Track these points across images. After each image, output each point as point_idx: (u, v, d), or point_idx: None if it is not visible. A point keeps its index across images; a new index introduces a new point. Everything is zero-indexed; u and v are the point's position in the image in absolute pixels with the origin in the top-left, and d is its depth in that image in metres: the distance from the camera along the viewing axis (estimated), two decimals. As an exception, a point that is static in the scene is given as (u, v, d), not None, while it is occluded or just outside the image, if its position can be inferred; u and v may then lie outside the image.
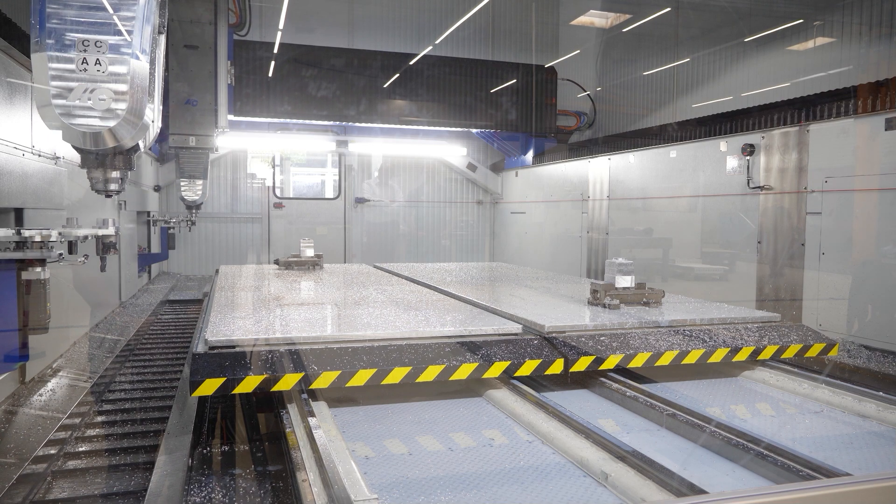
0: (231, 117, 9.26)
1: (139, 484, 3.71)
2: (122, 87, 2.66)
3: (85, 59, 2.62)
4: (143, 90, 2.71)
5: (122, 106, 2.66)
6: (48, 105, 2.63)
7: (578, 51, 14.09)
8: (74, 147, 2.80)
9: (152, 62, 2.81)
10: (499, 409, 3.31)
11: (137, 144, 2.86)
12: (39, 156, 5.48)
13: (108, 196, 3.24)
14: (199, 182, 10.16)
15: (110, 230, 4.38)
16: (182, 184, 10.20)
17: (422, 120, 12.92)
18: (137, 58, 2.67)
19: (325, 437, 2.59)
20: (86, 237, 4.19)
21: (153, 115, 2.87)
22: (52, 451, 4.10)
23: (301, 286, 6.06)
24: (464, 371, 3.32)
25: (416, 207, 14.58)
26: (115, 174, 3.10)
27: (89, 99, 2.62)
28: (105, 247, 4.63)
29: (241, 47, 11.49)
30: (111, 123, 2.66)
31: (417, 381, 3.24)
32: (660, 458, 2.40)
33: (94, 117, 2.65)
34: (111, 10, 2.64)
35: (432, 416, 3.20)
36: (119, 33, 2.64)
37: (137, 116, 2.71)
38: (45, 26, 2.59)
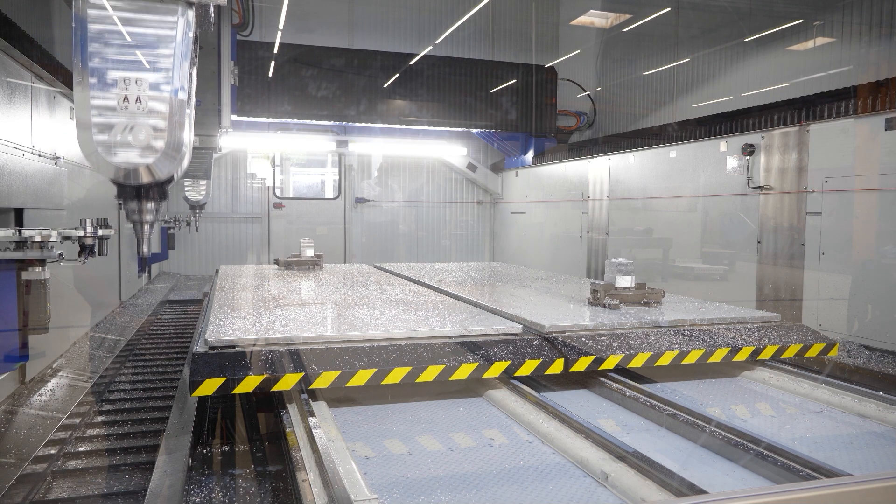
0: (232, 117, 9.25)
1: (139, 484, 3.71)
2: (162, 124, 2.71)
3: (126, 97, 2.68)
4: (180, 125, 2.78)
5: (161, 143, 2.73)
6: (91, 143, 2.69)
7: (578, 51, 14.09)
8: (111, 180, 2.86)
9: (189, 96, 2.87)
10: (499, 409, 3.31)
11: (173, 175, 2.91)
12: (39, 156, 5.48)
13: (142, 226, 3.26)
14: (203, 182, 10.15)
15: (110, 231, 4.39)
16: (186, 184, 10.19)
17: (422, 120, 12.91)
18: (176, 93, 2.73)
19: (325, 437, 2.59)
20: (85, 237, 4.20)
21: (188, 145, 2.93)
22: (52, 451, 4.10)
23: (301, 286, 6.06)
24: (464, 371, 3.32)
25: (415, 207, 14.58)
26: (150, 205, 3.14)
27: (130, 136, 2.68)
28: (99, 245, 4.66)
29: (242, 47, 11.47)
30: (150, 160, 2.73)
31: (417, 381, 3.24)
32: (660, 458, 2.40)
33: (134, 153, 2.71)
34: (150, 49, 2.71)
35: (432, 416, 3.20)
36: (158, 70, 2.71)
37: (175, 150, 2.78)
38: (88, 65, 2.66)
